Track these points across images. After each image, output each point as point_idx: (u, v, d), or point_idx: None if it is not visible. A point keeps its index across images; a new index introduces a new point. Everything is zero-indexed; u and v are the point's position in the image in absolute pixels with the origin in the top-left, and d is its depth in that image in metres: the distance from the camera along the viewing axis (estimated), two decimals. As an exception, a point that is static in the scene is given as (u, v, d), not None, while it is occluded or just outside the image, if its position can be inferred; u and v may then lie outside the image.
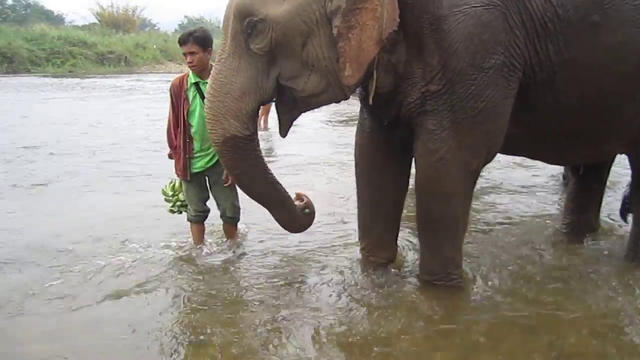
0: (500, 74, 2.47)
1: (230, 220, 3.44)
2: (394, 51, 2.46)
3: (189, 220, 3.41)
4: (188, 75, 3.23)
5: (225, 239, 3.48)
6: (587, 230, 3.60)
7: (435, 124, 2.51)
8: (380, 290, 2.82)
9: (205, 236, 3.48)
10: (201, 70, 3.17)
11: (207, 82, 3.12)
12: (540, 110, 2.66)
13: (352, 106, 6.53)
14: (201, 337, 2.40)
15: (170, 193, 3.40)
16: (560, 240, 3.56)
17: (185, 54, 3.15)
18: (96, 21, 29.17)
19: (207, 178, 3.35)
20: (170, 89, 3.26)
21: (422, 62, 2.47)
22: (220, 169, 3.21)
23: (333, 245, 3.47)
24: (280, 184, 2.67)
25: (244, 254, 3.36)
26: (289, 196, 2.72)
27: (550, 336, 2.41)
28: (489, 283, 2.92)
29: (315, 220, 2.89)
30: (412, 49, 2.47)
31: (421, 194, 2.69)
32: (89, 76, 19.30)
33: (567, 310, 2.65)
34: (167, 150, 3.38)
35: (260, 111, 2.82)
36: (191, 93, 3.22)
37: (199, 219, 3.39)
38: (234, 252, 3.37)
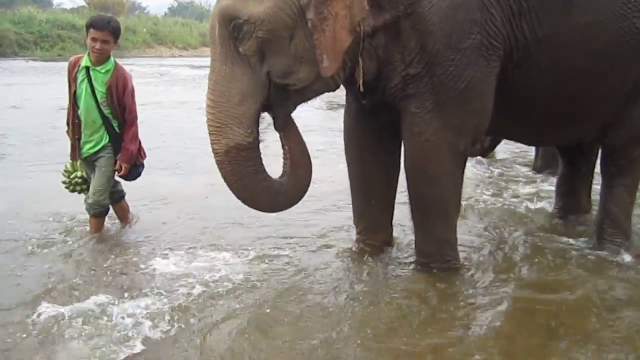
0: (479, 54, 2.48)
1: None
2: (375, 36, 2.48)
3: (86, 210, 3.33)
4: (83, 57, 3.18)
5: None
6: (579, 212, 3.66)
7: (418, 106, 2.53)
8: (376, 275, 2.82)
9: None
10: (101, 59, 3.13)
11: (97, 69, 3.12)
12: (517, 91, 2.67)
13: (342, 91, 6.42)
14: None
15: (71, 169, 3.33)
16: (554, 223, 3.60)
17: (94, 39, 3.06)
18: (85, 4, 28.75)
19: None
20: (68, 66, 3.22)
21: (400, 46, 2.49)
22: (104, 153, 3.22)
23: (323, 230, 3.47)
24: (278, 184, 2.61)
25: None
26: (283, 186, 2.62)
27: (549, 319, 2.43)
28: (485, 265, 2.94)
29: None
30: (390, 34, 2.49)
31: (410, 176, 2.70)
32: (79, 60, 18.97)
33: (564, 292, 2.67)
34: None
35: None
36: (80, 76, 3.17)
37: (96, 212, 3.30)
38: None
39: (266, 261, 3.00)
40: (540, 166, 4.97)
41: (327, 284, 2.74)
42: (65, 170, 3.35)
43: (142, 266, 2.95)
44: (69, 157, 3.32)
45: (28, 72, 14.43)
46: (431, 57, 2.46)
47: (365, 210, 3.06)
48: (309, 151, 2.70)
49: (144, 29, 25.23)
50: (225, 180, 2.53)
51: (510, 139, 3.54)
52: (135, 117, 3.26)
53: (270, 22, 2.34)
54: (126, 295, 2.58)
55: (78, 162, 3.31)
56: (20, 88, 10.88)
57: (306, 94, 2.55)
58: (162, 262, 2.96)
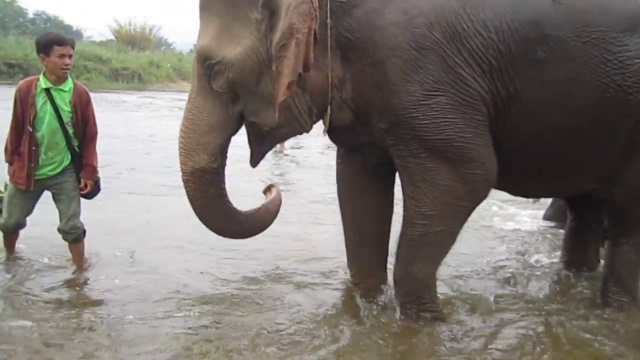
0: (452, 109, 2.47)
1: (65, 235, 3.23)
2: (344, 89, 2.58)
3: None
4: (38, 80, 3.08)
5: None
6: (584, 268, 3.54)
7: (405, 151, 2.57)
8: (365, 319, 2.76)
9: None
10: (66, 76, 3.10)
11: (59, 89, 3.06)
12: (497, 144, 2.63)
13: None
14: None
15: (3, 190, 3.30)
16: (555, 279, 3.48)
17: (62, 55, 3.04)
18: (113, 38, 29.67)
19: (50, 190, 3.20)
20: (17, 92, 3.08)
21: (369, 101, 2.56)
22: (66, 177, 3.15)
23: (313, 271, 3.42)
24: (239, 212, 2.74)
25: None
26: (246, 216, 2.78)
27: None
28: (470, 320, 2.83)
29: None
30: (358, 88, 2.57)
31: (404, 212, 2.67)
32: (102, 91, 19.44)
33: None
34: None
35: None
36: (40, 99, 3.06)
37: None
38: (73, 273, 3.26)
39: (256, 300, 2.96)
40: (550, 216, 4.88)
41: (316, 327, 2.70)
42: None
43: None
44: (20, 185, 3.12)
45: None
46: (399, 112, 2.49)
47: (358, 253, 3.02)
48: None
49: (168, 64, 25.83)
50: (188, 198, 2.69)
51: (496, 189, 3.44)
52: (96, 132, 3.23)
53: (239, 67, 2.52)
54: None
55: (8, 186, 3.24)
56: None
57: (277, 136, 2.71)
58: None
